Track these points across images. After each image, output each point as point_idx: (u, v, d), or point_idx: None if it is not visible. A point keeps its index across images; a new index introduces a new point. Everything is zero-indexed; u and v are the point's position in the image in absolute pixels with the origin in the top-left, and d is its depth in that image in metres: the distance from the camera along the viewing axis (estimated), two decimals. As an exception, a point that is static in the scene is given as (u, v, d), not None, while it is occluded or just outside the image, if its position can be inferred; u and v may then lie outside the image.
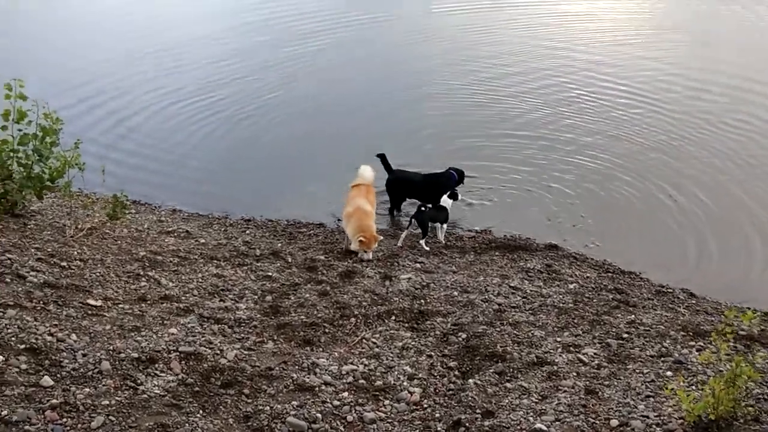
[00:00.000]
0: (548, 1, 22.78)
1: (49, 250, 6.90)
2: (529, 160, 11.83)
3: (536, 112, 13.89)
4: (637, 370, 5.80)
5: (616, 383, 5.59)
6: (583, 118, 13.59)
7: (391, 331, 6.47)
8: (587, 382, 5.59)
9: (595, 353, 6.13)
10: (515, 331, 6.52)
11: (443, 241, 9.19)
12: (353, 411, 5.15)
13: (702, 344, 6.21)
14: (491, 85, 15.31)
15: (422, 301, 7.20)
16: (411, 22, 20.40)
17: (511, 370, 5.80)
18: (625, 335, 6.48)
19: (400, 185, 10.15)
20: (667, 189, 10.84)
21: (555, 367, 5.84)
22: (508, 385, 5.59)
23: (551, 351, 6.15)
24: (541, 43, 18.21)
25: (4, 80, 7.47)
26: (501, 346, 6.16)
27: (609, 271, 8.56)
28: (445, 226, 9.26)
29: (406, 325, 6.65)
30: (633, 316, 6.98)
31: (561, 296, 7.47)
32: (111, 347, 5.27)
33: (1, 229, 7.14)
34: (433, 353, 6.12)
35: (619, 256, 9.04)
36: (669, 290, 8.13)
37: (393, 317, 6.74)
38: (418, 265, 8.33)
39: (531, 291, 7.61)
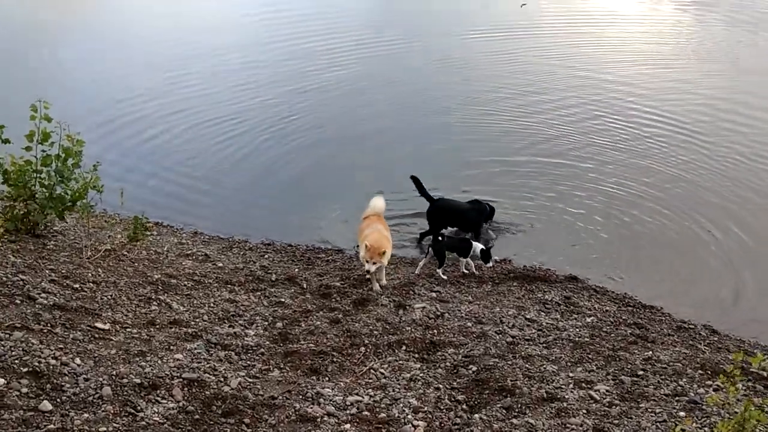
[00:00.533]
0: (576, 26, 22.70)
1: (63, 271, 6.95)
2: (554, 186, 11.68)
3: (563, 137, 13.76)
4: (650, 410, 5.65)
5: (626, 422, 5.44)
6: (612, 144, 13.41)
7: (400, 362, 6.38)
8: (596, 421, 5.45)
9: (607, 390, 5.99)
10: (527, 365, 6.40)
11: (467, 272, 8.99)
12: (354, 444, 5.07)
13: (719, 384, 6.01)
14: (515, 110, 15.19)
15: (435, 331, 7.11)
16: (434, 46, 20.32)
17: (520, 405, 5.68)
18: (641, 372, 6.32)
19: (442, 214, 10.02)
20: (694, 219, 10.62)
21: (565, 404, 5.70)
22: (514, 421, 5.47)
23: (563, 387, 6.02)
24: (567, 66, 18.15)
25: (24, 100, 7.58)
26: (511, 380, 6.04)
27: (629, 305, 8.37)
28: (464, 260, 9.01)
29: (417, 355, 6.56)
30: (650, 352, 6.81)
31: (577, 330, 7.32)
32: (114, 372, 5.26)
33: (19, 250, 7.21)
34: (441, 385, 6.01)
35: (642, 290, 8.85)
36: (691, 326, 7.91)
37: (404, 347, 6.66)
38: (434, 294, 8.23)
39: (547, 324, 7.47)
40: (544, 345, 6.93)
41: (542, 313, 7.82)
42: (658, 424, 5.37)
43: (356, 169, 12.39)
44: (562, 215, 10.76)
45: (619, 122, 14.41)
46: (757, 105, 15.21)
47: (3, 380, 4.79)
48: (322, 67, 17.81)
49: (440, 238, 8.95)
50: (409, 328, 7.12)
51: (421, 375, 6.17)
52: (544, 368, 6.36)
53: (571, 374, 6.26)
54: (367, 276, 8.24)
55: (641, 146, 13.30)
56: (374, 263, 8.05)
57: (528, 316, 7.63)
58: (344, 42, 19.89)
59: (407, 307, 7.69)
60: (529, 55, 19.19)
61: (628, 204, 11.14)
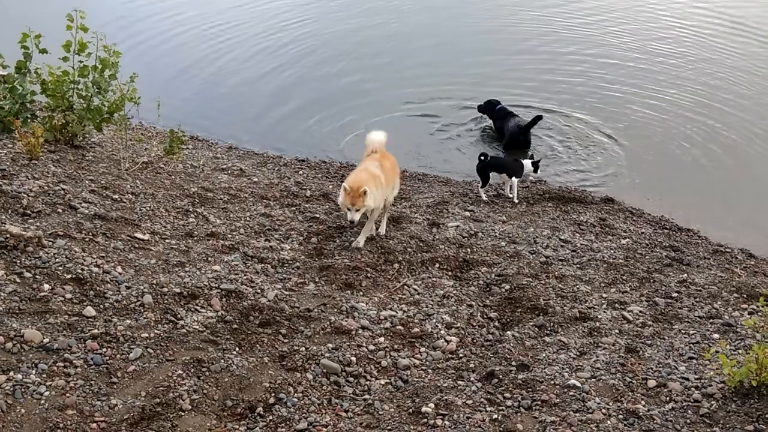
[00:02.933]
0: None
1: (103, 182, 7.03)
2: (596, 95, 11.51)
3: (610, 39, 13.45)
4: (683, 331, 5.65)
5: (659, 343, 5.46)
6: (669, 50, 13.15)
7: (434, 279, 6.43)
8: (629, 341, 5.48)
9: (640, 311, 5.99)
10: (560, 285, 6.41)
11: (515, 199, 8.82)
12: (388, 356, 5.15)
13: (755, 307, 5.99)
14: (554, 14, 14.90)
15: (468, 249, 7.12)
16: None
17: (552, 324, 5.71)
18: (675, 294, 6.31)
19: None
20: (747, 138, 10.39)
21: (597, 324, 5.72)
22: (547, 339, 5.51)
23: (595, 307, 6.03)
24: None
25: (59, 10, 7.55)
26: (544, 299, 6.06)
27: (666, 228, 8.31)
28: (515, 180, 8.85)
29: (450, 273, 6.60)
30: (685, 275, 6.78)
31: (612, 251, 7.29)
32: (154, 281, 5.37)
33: (59, 160, 7.30)
34: (474, 303, 6.06)
35: (679, 213, 8.75)
36: (727, 250, 7.83)
37: (437, 265, 6.69)
38: (467, 213, 8.22)
39: (581, 245, 7.45)
40: (578, 266, 6.92)
41: (577, 234, 7.80)
42: (691, 345, 5.38)
43: (394, 87, 12.22)
44: (603, 131, 10.58)
45: (676, 24, 13.96)
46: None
47: (48, 286, 4.93)
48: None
49: (483, 158, 8.81)
50: (443, 246, 7.13)
51: (454, 292, 6.22)
52: (578, 288, 6.37)
53: (604, 295, 6.27)
54: (352, 226, 7.05)
55: (705, 53, 12.94)
56: (357, 210, 6.82)
57: (562, 237, 7.61)
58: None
59: (441, 225, 7.70)
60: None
61: (678, 119, 10.88)
